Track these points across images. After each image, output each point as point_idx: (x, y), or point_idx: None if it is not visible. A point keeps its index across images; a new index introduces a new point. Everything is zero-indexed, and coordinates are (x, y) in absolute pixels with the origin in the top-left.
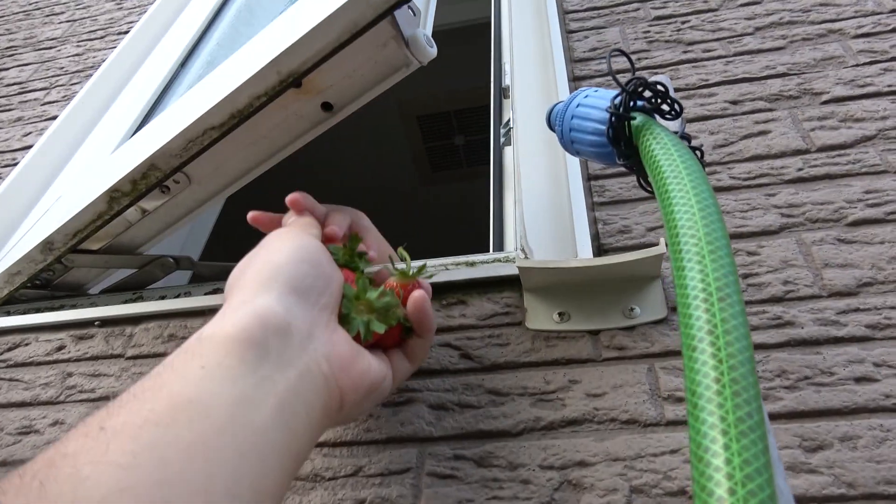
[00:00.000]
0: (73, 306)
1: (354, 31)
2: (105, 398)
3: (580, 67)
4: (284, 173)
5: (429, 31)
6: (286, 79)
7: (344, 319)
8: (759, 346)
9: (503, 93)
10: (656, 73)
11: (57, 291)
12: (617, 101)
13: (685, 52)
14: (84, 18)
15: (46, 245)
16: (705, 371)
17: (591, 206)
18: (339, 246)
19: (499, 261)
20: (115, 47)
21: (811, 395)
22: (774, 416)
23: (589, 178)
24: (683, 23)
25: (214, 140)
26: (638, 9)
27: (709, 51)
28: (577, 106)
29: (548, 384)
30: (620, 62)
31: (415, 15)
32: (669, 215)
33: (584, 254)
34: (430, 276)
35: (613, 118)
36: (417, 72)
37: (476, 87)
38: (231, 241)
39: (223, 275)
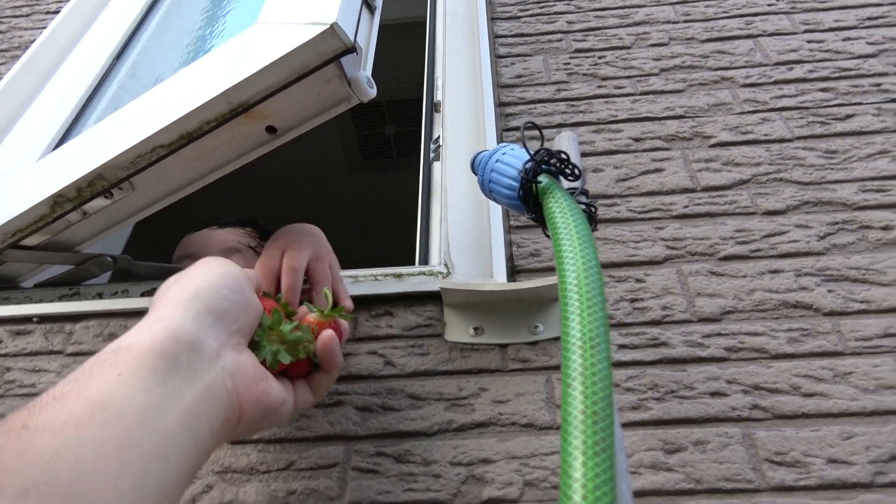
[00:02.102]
0: (7, 300)
1: (303, 72)
2: None
3: (506, 93)
4: None
5: (369, 71)
6: (236, 108)
7: (255, 346)
8: (638, 363)
9: (434, 107)
10: (576, 103)
11: None
12: (527, 166)
13: (599, 86)
14: None
15: None
16: (575, 404)
17: (508, 229)
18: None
19: (424, 274)
20: (42, 28)
21: (675, 406)
22: (644, 424)
23: None
24: (600, 58)
25: (162, 157)
26: (561, 39)
27: (620, 87)
28: (497, 161)
29: (461, 391)
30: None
31: (357, 54)
32: (561, 272)
33: (499, 272)
34: (350, 318)
35: (524, 180)
36: None
37: (408, 80)
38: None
39: (160, 275)
